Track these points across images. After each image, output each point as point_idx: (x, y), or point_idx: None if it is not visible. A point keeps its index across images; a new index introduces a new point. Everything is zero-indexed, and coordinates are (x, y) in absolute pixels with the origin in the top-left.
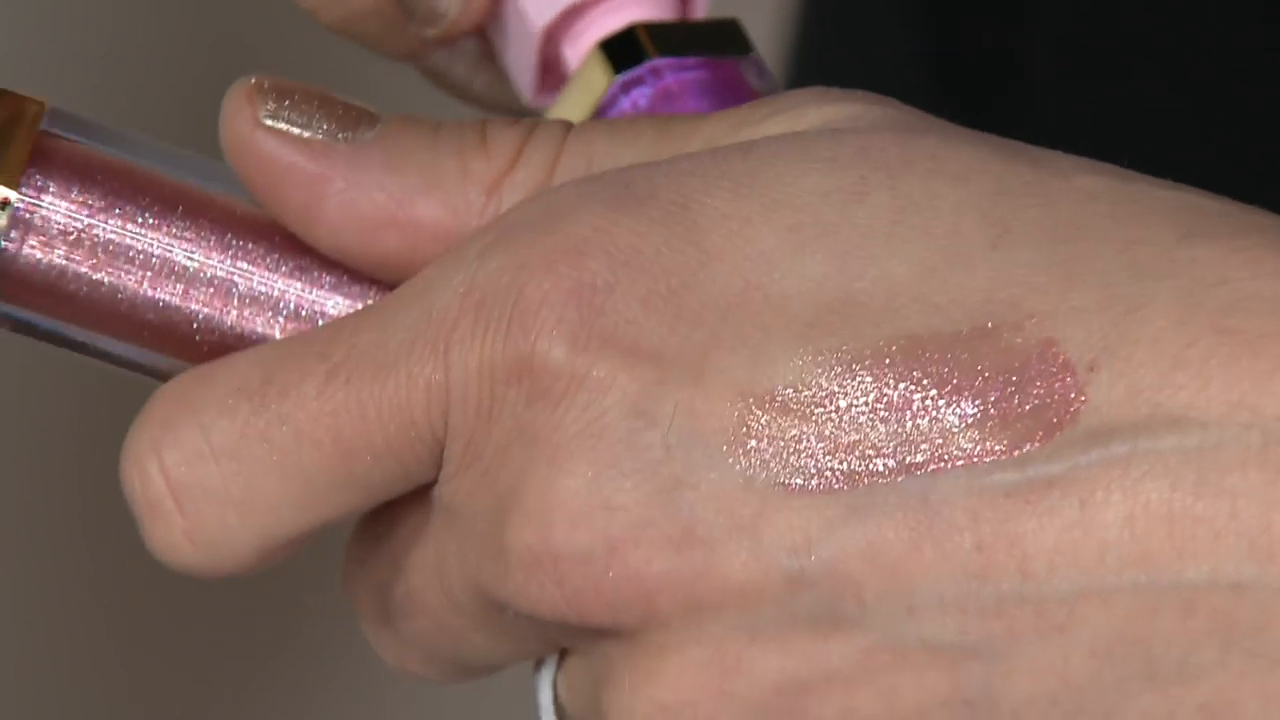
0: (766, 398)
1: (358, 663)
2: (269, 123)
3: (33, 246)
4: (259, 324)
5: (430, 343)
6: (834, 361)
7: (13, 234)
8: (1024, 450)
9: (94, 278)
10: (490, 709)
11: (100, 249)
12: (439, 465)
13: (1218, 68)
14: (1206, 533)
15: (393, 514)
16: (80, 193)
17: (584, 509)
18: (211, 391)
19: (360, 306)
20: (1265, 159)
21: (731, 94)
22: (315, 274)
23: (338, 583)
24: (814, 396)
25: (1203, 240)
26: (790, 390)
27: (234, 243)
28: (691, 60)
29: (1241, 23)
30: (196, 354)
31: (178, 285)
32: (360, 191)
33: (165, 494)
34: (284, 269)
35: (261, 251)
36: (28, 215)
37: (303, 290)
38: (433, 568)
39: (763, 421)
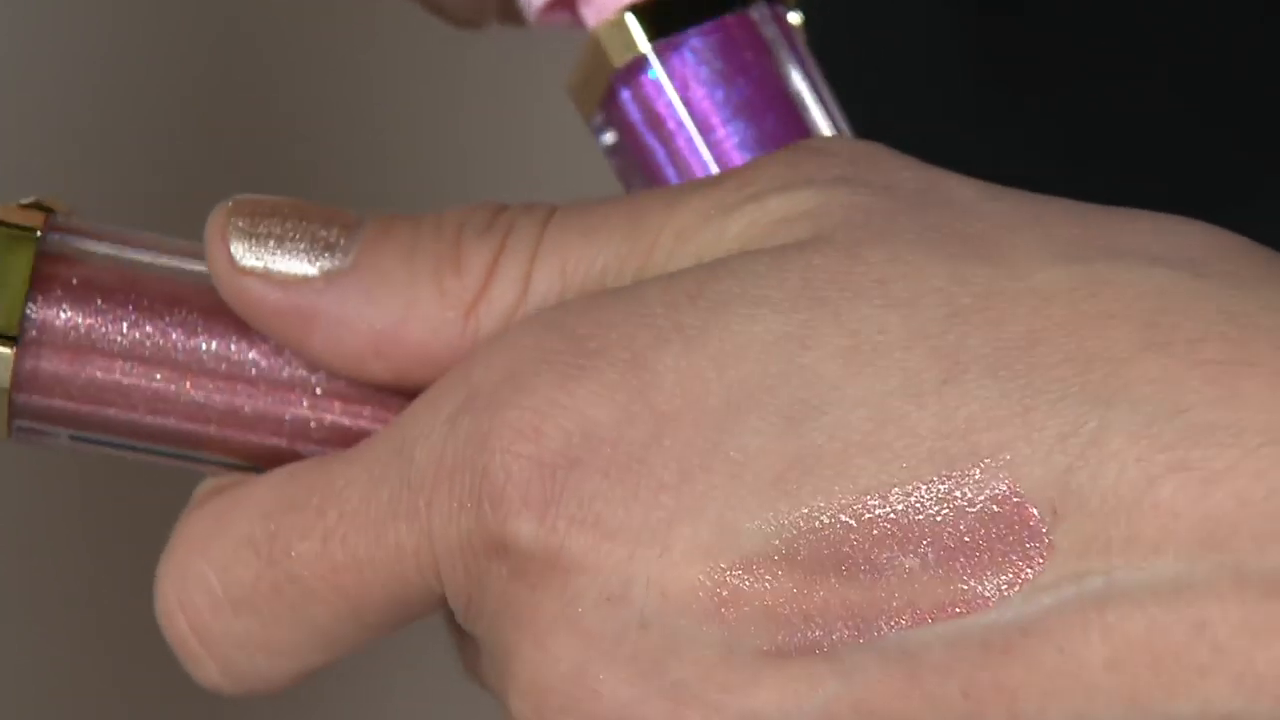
0: (736, 564)
1: (357, 663)
2: (247, 264)
3: (44, 367)
4: (276, 407)
5: (412, 512)
6: (798, 525)
7: (25, 362)
8: (995, 600)
9: (106, 380)
10: (489, 709)
11: (112, 351)
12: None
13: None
14: (1192, 671)
15: None
16: (79, 313)
17: (572, 695)
18: (224, 541)
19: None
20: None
21: (742, 55)
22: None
23: None
24: (781, 560)
25: (1159, 355)
26: (757, 555)
27: (238, 336)
28: (695, 30)
29: (1241, 22)
30: (222, 447)
31: (186, 382)
32: (343, 327)
33: (194, 641)
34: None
35: (262, 341)
36: (33, 342)
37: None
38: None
39: (735, 589)
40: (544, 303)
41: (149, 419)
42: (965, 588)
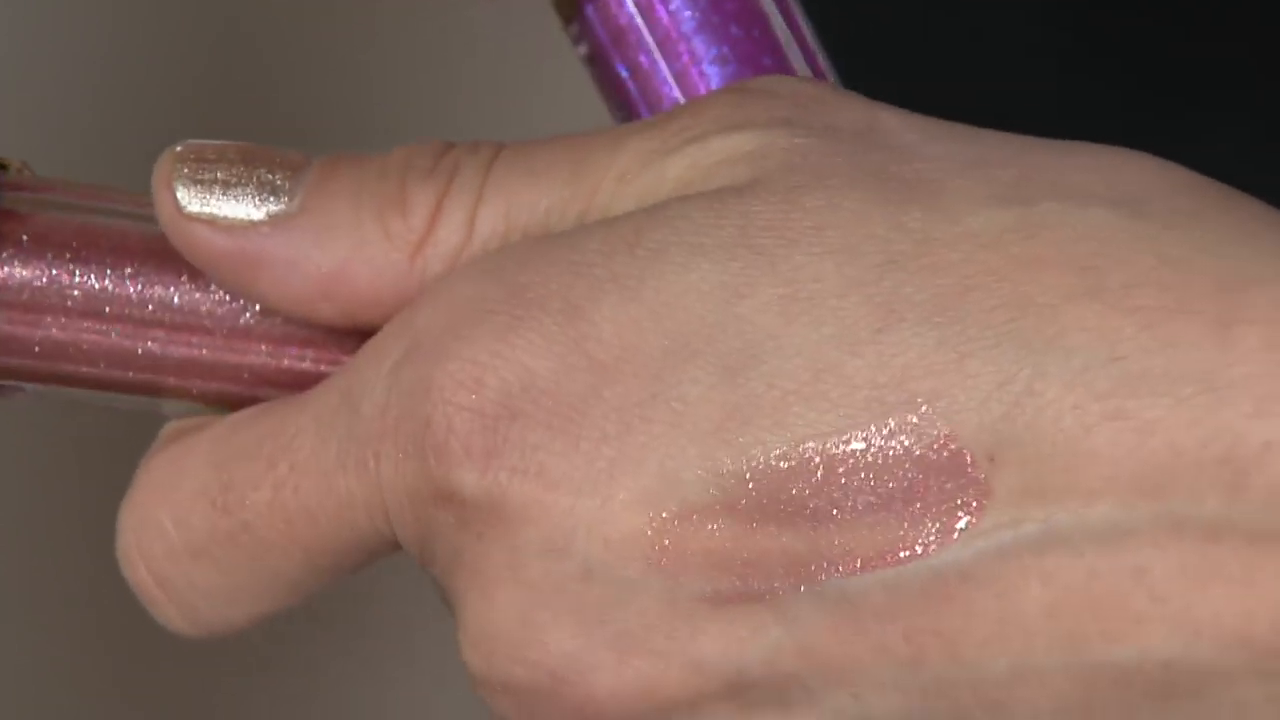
0: (677, 513)
1: (358, 663)
2: (192, 210)
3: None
4: (233, 355)
5: (360, 463)
6: (737, 473)
7: None
8: (933, 546)
9: (64, 337)
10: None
11: (67, 308)
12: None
13: None
14: (1130, 617)
15: None
16: (31, 270)
17: (519, 643)
18: (180, 490)
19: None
20: None
21: None
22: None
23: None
24: (721, 509)
25: (1093, 302)
26: (697, 503)
27: (191, 284)
28: None
29: None
30: (183, 394)
31: (143, 335)
32: (290, 270)
33: (153, 586)
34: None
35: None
36: None
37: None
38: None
39: (676, 538)
40: (488, 244)
41: (109, 372)
42: (903, 534)
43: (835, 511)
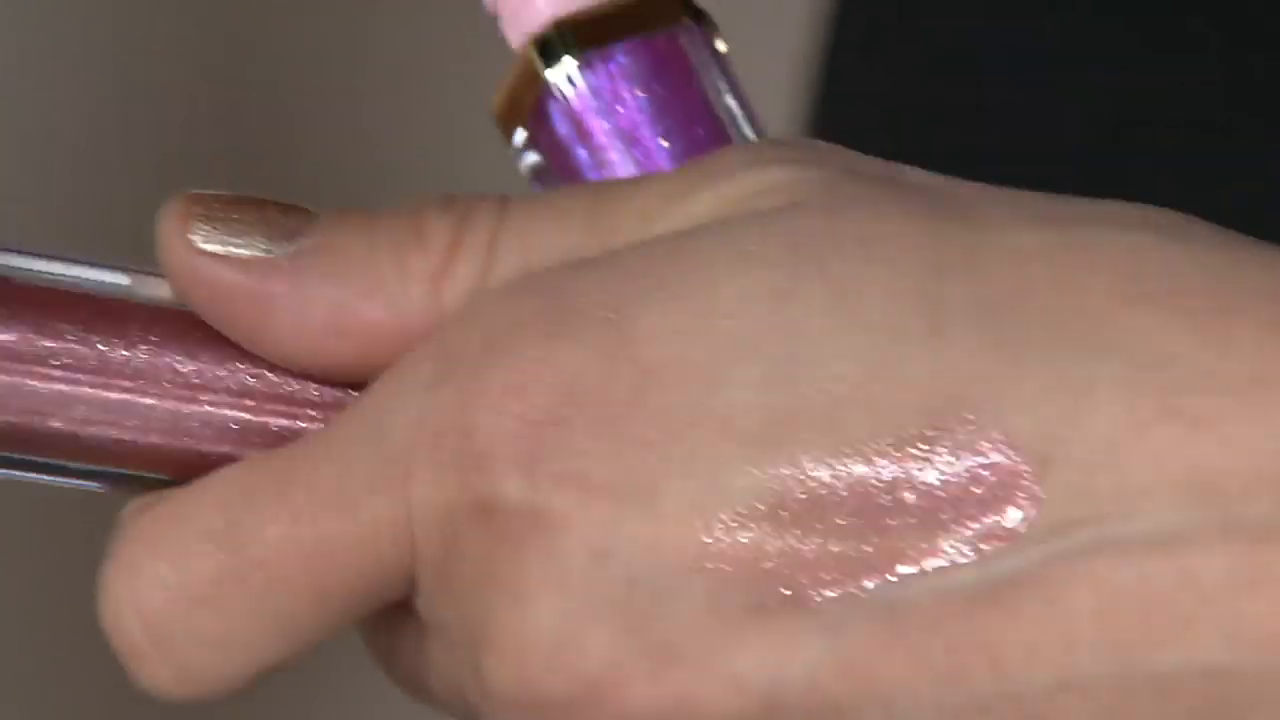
0: (722, 520)
1: (356, 667)
2: (205, 246)
3: None
4: (220, 415)
5: (389, 482)
6: (784, 478)
7: None
8: (983, 552)
9: (43, 394)
10: None
11: (44, 366)
12: (413, 584)
13: None
14: (1177, 621)
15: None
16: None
17: (557, 652)
18: (181, 535)
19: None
20: None
21: (670, 73)
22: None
23: None
24: (768, 515)
25: (1144, 305)
26: (745, 511)
27: (174, 345)
28: (622, 46)
29: None
30: (166, 463)
31: (128, 396)
32: (305, 305)
33: (145, 642)
34: (230, 359)
35: (210, 348)
36: None
37: (254, 374)
38: (426, 663)
39: (721, 545)
40: (508, 280)
41: (86, 430)
42: (953, 542)
43: (882, 518)
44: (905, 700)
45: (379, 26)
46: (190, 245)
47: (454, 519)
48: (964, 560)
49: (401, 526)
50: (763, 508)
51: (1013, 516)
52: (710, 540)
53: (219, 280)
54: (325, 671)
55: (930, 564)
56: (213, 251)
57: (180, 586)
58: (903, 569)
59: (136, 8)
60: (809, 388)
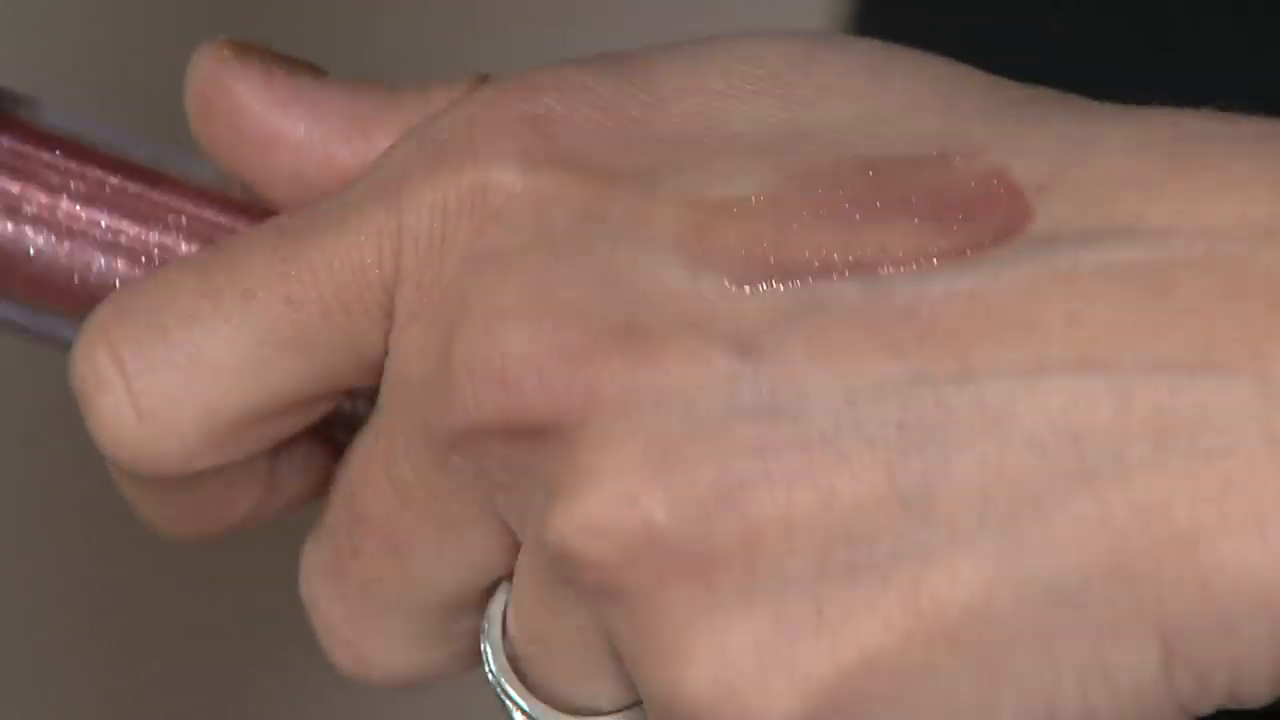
0: (717, 207)
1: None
2: (236, 64)
3: None
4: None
5: (384, 191)
6: (785, 175)
7: None
8: (969, 254)
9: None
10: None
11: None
12: (387, 330)
13: None
14: (1148, 330)
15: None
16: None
17: (530, 302)
18: (161, 272)
19: None
20: None
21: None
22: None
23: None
24: (764, 206)
25: (1148, 108)
26: (740, 201)
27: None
28: None
29: None
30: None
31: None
32: (327, 104)
33: (110, 366)
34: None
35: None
36: None
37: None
38: (379, 459)
39: (710, 227)
40: None
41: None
42: (942, 243)
43: (875, 219)
44: (868, 383)
45: (379, 26)
46: (220, 54)
47: (444, 212)
48: (947, 262)
49: (389, 232)
50: (757, 201)
51: (1001, 229)
52: (699, 223)
53: (243, 80)
54: (325, 673)
55: (913, 261)
56: (243, 64)
57: (153, 312)
58: (885, 264)
59: (136, 8)
60: (816, 119)
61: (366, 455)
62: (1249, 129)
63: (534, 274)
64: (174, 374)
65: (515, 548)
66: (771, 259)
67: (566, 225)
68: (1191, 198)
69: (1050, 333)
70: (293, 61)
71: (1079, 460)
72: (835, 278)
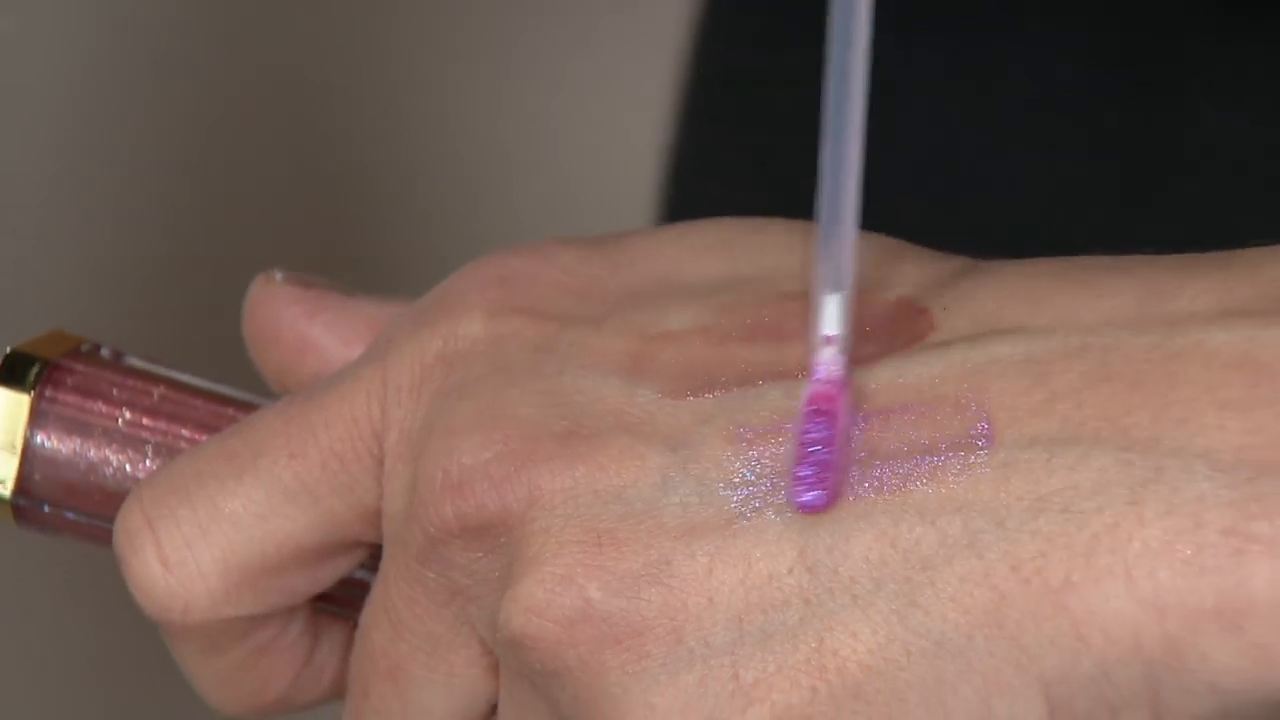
0: (655, 337)
1: None
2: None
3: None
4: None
5: (374, 355)
6: (718, 310)
7: (36, 436)
8: (879, 360)
9: (99, 465)
10: None
11: (105, 440)
12: (379, 477)
13: None
14: (1025, 411)
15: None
16: (89, 396)
17: (483, 418)
18: (193, 447)
19: None
20: None
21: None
22: None
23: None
24: (697, 333)
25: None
26: (678, 331)
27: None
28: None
29: None
30: None
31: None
32: (347, 312)
33: (143, 527)
34: None
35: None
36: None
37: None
38: (379, 598)
39: (648, 352)
40: None
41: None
42: (856, 351)
43: (793, 336)
44: (779, 466)
45: (381, 27)
46: (269, 278)
47: (421, 362)
48: (861, 366)
49: (375, 385)
50: (695, 328)
51: (906, 339)
52: (643, 350)
53: (283, 291)
54: None
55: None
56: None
57: (180, 473)
58: (804, 371)
59: (138, 8)
60: (754, 269)
61: (373, 599)
62: (1132, 259)
63: (489, 396)
64: (194, 527)
65: (497, 668)
66: (702, 373)
67: (520, 356)
68: (1071, 305)
69: (941, 418)
70: (328, 282)
71: (964, 527)
72: (761, 383)
